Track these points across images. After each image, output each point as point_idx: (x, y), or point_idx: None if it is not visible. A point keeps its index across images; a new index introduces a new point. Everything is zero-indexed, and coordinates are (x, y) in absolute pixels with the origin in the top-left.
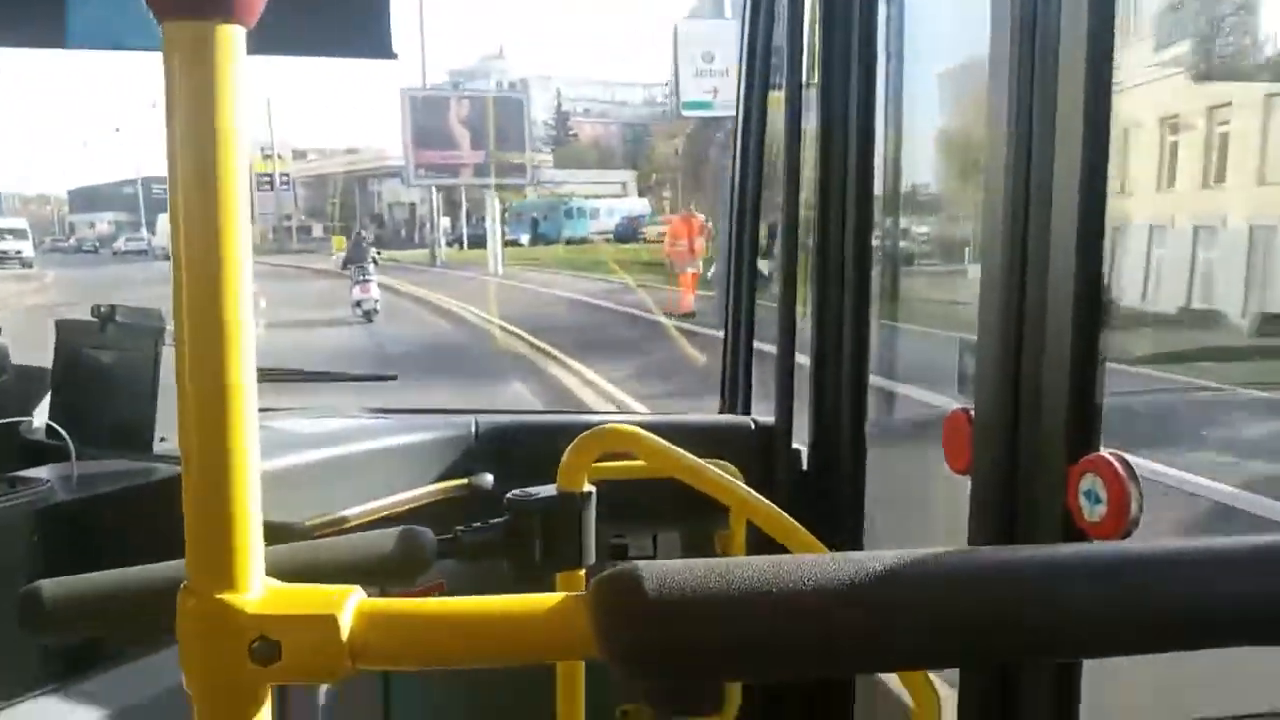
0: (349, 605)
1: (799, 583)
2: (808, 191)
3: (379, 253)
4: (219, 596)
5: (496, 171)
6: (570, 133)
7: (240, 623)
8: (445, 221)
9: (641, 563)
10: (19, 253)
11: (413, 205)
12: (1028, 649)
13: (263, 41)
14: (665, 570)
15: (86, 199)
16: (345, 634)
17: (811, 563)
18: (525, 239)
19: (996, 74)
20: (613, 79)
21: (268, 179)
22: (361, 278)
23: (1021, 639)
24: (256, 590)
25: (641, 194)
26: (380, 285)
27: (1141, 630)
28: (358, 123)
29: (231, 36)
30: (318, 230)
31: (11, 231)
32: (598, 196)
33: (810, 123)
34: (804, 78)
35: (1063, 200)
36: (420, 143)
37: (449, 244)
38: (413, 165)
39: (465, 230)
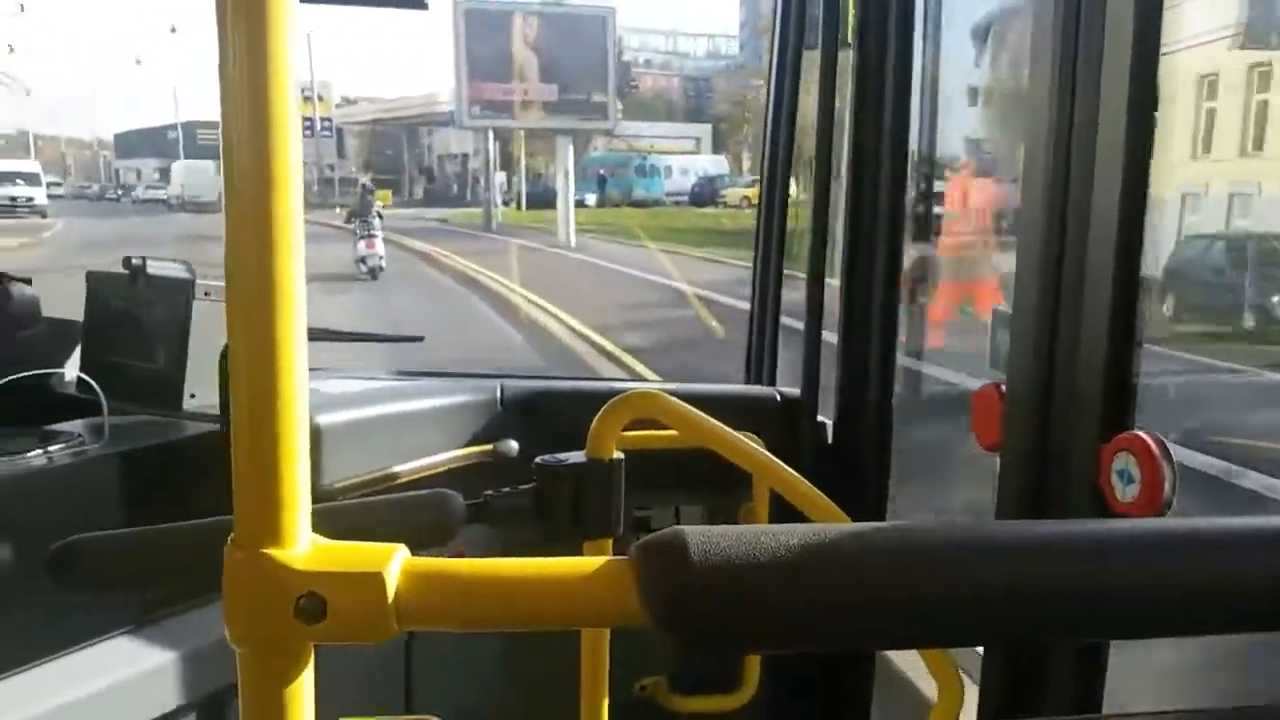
0: (395, 564)
1: (842, 551)
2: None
3: (383, 206)
4: (266, 551)
5: (572, 112)
6: (631, 84)
7: (287, 578)
8: (500, 177)
9: (686, 528)
10: (30, 200)
11: (465, 156)
12: (1069, 628)
13: None
14: (710, 535)
15: (132, 144)
16: (391, 593)
17: (854, 532)
18: (591, 199)
19: (1039, 44)
20: (674, 28)
21: (307, 123)
22: (366, 233)
23: (1064, 616)
24: (303, 546)
25: (716, 151)
26: (422, 255)
27: (1182, 611)
28: (422, 71)
29: None
30: (366, 181)
31: (22, 176)
32: (668, 153)
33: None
34: (839, 42)
35: (1105, 174)
36: (477, 73)
37: (504, 203)
38: (466, 102)
39: (524, 187)
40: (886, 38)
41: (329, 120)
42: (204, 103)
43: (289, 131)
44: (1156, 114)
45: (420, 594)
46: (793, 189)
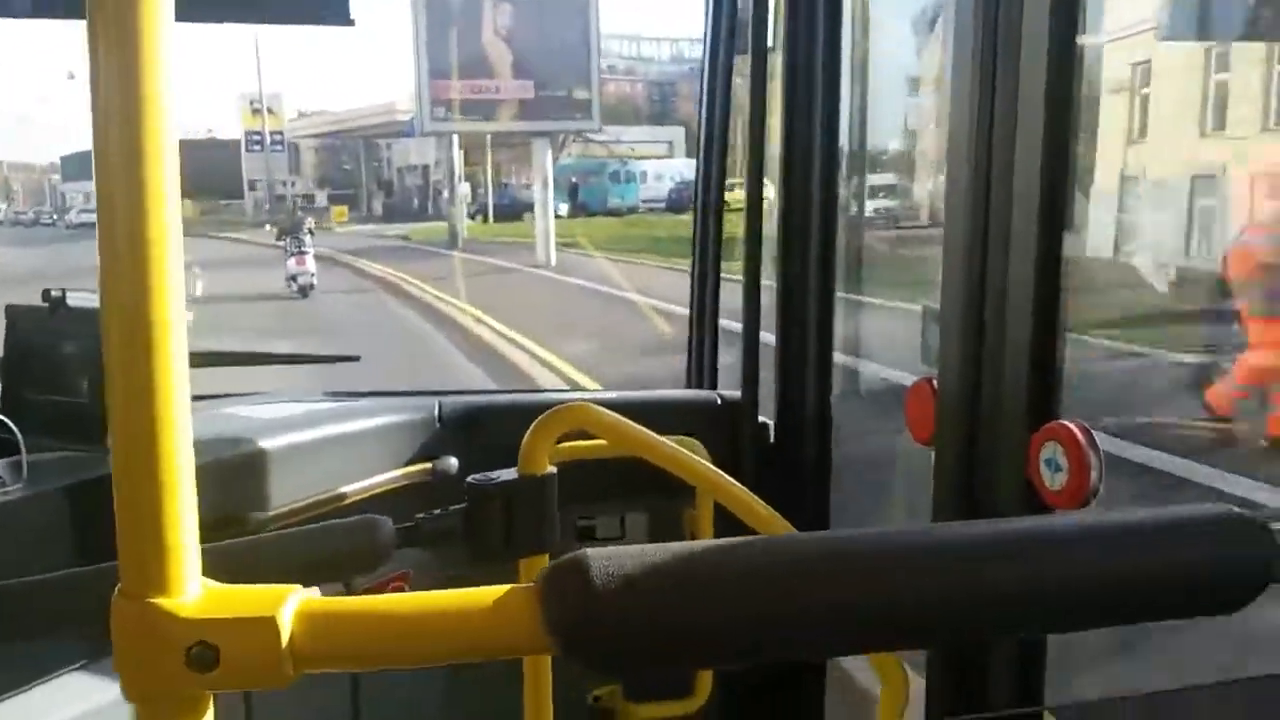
0: (289, 606)
1: (753, 567)
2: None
3: (314, 223)
4: (153, 601)
5: (551, 112)
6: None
7: (175, 628)
8: (464, 188)
9: (591, 550)
10: None
11: (426, 168)
12: (996, 625)
13: (208, 8)
14: (613, 557)
15: (82, 165)
16: (285, 637)
17: (765, 545)
18: (564, 208)
19: (960, 40)
20: (637, 33)
21: (256, 138)
22: (297, 249)
23: (990, 615)
24: (193, 593)
25: (690, 155)
26: (381, 280)
27: (1111, 603)
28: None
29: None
30: (321, 199)
31: None
32: (641, 158)
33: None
34: (769, 43)
35: (1025, 170)
36: (440, 70)
37: (470, 216)
38: (428, 104)
39: (490, 197)
40: (815, 40)
41: (280, 134)
42: None
43: (163, 149)
44: (1074, 108)
45: (316, 636)
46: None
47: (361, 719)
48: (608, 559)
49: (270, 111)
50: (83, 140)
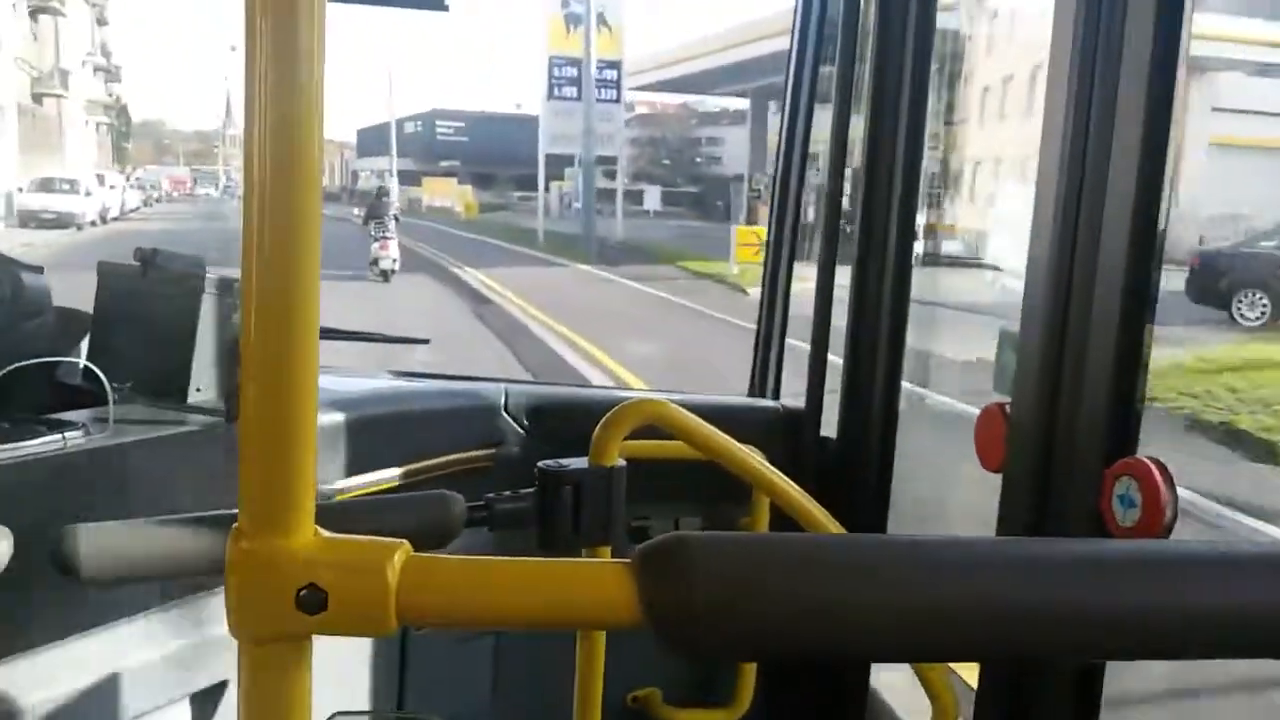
0: (397, 559)
1: (843, 561)
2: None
3: (400, 210)
4: (269, 541)
5: None
6: None
7: (290, 569)
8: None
9: (688, 533)
10: (65, 212)
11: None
12: (1066, 647)
13: None
14: (712, 542)
15: (376, 140)
16: (392, 588)
17: (854, 542)
18: None
19: (1056, 71)
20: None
21: (569, 72)
22: (381, 234)
23: (1061, 635)
24: (307, 538)
25: None
26: None
27: (1179, 636)
28: None
29: None
30: (653, 198)
31: (55, 182)
32: None
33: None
34: (856, 64)
35: (1116, 195)
36: None
37: None
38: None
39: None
40: (904, 54)
41: (614, 67)
42: None
43: (313, 129)
44: (1169, 131)
45: (421, 590)
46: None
47: (408, 685)
48: (706, 542)
49: (605, 26)
50: (375, 114)
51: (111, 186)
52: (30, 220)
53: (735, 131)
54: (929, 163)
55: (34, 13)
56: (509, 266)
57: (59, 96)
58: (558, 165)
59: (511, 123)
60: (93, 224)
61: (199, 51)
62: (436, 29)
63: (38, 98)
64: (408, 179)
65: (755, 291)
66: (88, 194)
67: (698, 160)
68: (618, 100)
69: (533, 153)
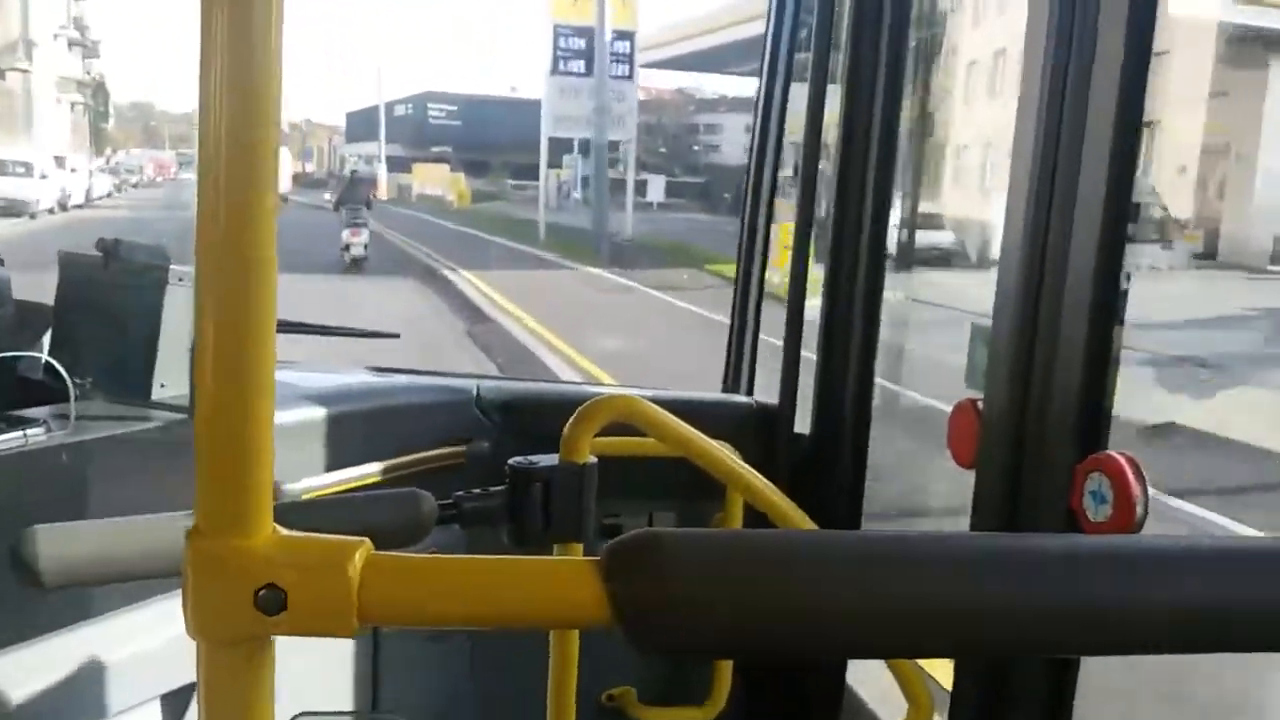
0: (358, 558)
1: (816, 557)
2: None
3: (390, 197)
4: (227, 541)
5: None
6: None
7: (248, 568)
8: None
9: (656, 530)
10: (16, 199)
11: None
12: (1037, 642)
13: None
14: (681, 538)
15: (365, 125)
16: (354, 587)
17: (826, 538)
18: None
19: (1029, 70)
20: None
21: (574, 43)
22: (353, 220)
23: (1033, 630)
24: (265, 537)
25: None
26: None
27: (1151, 630)
28: None
29: None
30: (656, 189)
31: (6, 165)
32: None
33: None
34: (829, 58)
35: (1087, 193)
36: None
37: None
38: None
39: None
40: (879, 55)
41: (628, 38)
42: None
43: (270, 113)
44: (1140, 130)
45: (384, 589)
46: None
47: (381, 684)
48: (676, 538)
49: None
50: (365, 97)
51: (73, 170)
52: None
53: (734, 119)
54: (916, 146)
55: None
56: (509, 269)
57: (22, 71)
58: (554, 151)
59: (506, 106)
60: (50, 211)
61: (191, 33)
62: (430, 7)
63: None
64: (398, 165)
65: (813, 304)
66: (43, 178)
67: (695, 149)
68: (630, 76)
69: (528, 138)
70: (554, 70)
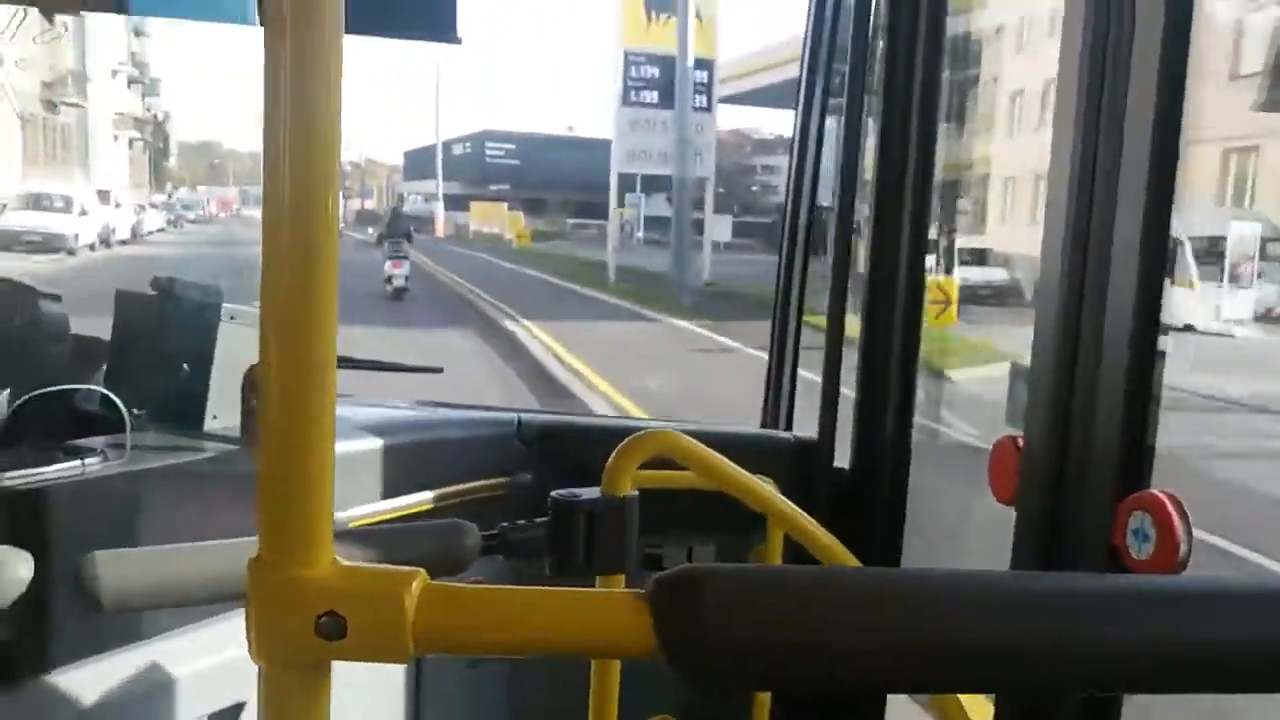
0: (414, 587)
1: (856, 593)
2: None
3: (448, 234)
4: (291, 570)
5: None
6: None
7: (311, 596)
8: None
9: (701, 565)
10: (54, 234)
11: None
12: (1078, 679)
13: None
14: (725, 574)
15: (423, 163)
16: (410, 616)
17: (866, 574)
18: None
19: (1063, 104)
20: None
21: (646, 71)
22: (394, 253)
23: (1073, 668)
24: (327, 566)
25: None
26: None
27: (1195, 669)
28: None
29: (333, 7)
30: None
31: (46, 199)
32: None
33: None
34: (865, 92)
35: (1125, 231)
36: None
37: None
38: None
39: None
40: (913, 90)
41: (709, 67)
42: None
43: (332, 158)
44: (1177, 160)
45: (438, 617)
46: None
47: (422, 701)
48: (719, 574)
49: (696, 16)
50: (423, 136)
51: (118, 205)
52: (13, 243)
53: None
54: (965, 180)
55: (46, 10)
56: (580, 320)
57: (74, 105)
58: (605, 189)
59: (564, 145)
60: (90, 248)
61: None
62: (489, 47)
63: (49, 104)
64: (455, 203)
65: (984, 372)
66: (83, 213)
67: (753, 189)
68: (709, 108)
69: (586, 177)
70: (625, 101)
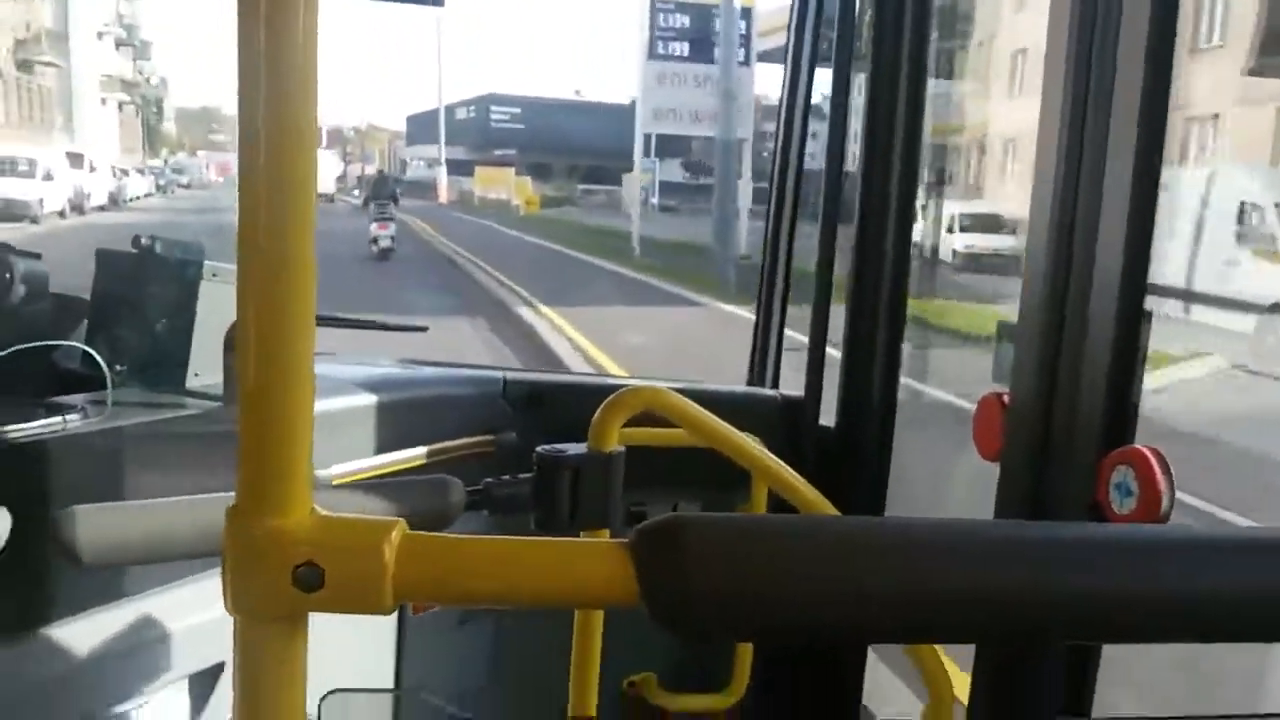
0: (393, 538)
1: (839, 542)
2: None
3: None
4: (267, 519)
5: None
6: None
7: (287, 546)
8: None
9: (684, 514)
10: (13, 199)
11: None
12: (1059, 628)
13: None
14: (707, 523)
15: (426, 128)
16: (389, 566)
17: (849, 523)
18: None
19: (1052, 63)
20: None
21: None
22: (380, 215)
23: (1055, 617)
24: (305, 517)
25: None
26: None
27: (1173, 618)
28: None
29: None
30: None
31: (9, 163)
32: None
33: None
34: (853, 52)
35: (1113, 188)
36: None
37: None
38: None
39: None
40: (901, 52)
41: (747, 16)
42: None
43: (307, 111)
44: (1164, 134)
45: (418, 568)
46: None
47: (404, 658)
48: (702, 523)
49: None
50: (427, 100)
51: (93, 169)
52: None
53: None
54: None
55: None
56: (608, 304)
57: (48, 64)
58: (629, 154)
59: (570, 109)
60: (61, 214)
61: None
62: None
63: (24, 64)
64: (460, 168)
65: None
66: (48, 178)
67: (764, 154)
68: (747, 61)
69: (593, 142)
70: (651, 53)
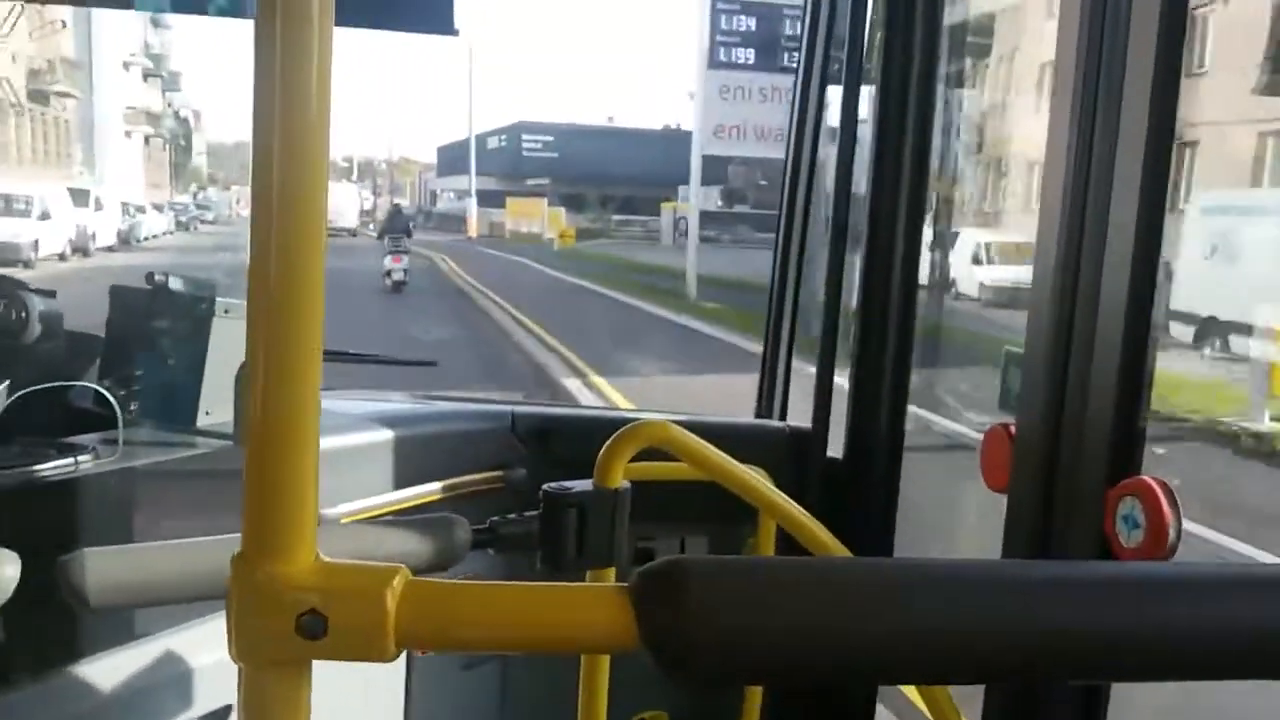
0: (396, 585)
1: (842, 584)
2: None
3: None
4: (271, 567)
5: None
6: None
7: (291, 594)
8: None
9: (685, 557)
10: (8, 244)
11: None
12: (1068, 669)
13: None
14: (708, 566)
15: (457, 158)
16: (391, 614)
17: (852, 565)
18: None
19: (1060, 93)
20: None
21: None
22: (394, 248)
23: (1063, 657)
24: (308, 564)
25: None
26: None
27: (1183, 656)
28: None
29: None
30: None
31: (12, 200)
32: None
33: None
34: (862, 75)
35: (1120, 217)
36: None
37: None
38: None
39: None
40: (910, 76)
41: None
42: None
43: (319, 153)
44: (1171, 151)
45: (420, 615)
46: None
47: (412, 700)
48: (703, 566)
49: None
50: (455, 132)
51: (99, 207)
52: None
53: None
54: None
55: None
56: (673, 372)
57: (64, 95)
58: (671, 182)
59: (604, 136)
60: (61, 257)
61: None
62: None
63: (38, 95)
64: (491, 199)
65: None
66: (44, 217)
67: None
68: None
69: (628, 170)
70: (711, 62)
